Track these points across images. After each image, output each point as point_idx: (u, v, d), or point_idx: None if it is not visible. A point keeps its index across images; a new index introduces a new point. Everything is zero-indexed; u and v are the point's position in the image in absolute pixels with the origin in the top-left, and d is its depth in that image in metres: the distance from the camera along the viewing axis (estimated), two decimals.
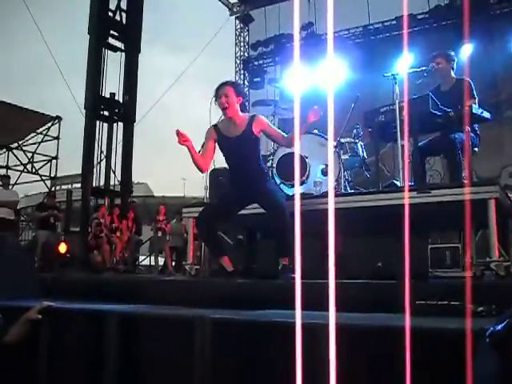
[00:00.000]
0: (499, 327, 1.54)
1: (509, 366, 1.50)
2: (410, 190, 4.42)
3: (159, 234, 11.99)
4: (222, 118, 4.71)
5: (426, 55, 5.98)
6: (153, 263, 12.53)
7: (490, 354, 1.56)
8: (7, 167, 16.93)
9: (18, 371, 3.75)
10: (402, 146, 5.30)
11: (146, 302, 3.95)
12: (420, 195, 4.28)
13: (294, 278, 3.70)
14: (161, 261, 12.37)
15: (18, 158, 17.02)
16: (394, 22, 13.91)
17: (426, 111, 4.99)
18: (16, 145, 17.06)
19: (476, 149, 5.30)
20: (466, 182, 4.70)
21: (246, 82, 16.92)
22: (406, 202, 3.81)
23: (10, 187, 11.73)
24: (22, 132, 17.02)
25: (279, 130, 4.63)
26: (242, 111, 4.59)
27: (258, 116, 4.61)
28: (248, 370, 2.65)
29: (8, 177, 11.78)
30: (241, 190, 4.56)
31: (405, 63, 5.82)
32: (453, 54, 5.72)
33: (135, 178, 13.84)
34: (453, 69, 5.65)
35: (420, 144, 5.28)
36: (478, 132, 5.43)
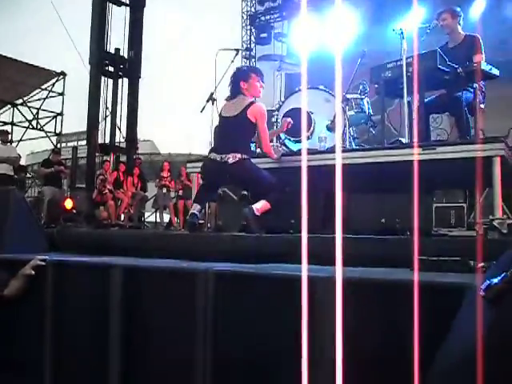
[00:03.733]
0: (496, 280, 1.52)
1: (506, 319, 1.50)
2: (415, 147, 4.39)
3: (164, 190, 12.02)
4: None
5: (437, 10, 5.87)
6: (158, 220, 12.61)
7: (485, 308, 1.56)
8: (12, 123, 16.90)
9: (23, 323, 3.83)
10: (408, 103, 5.26)
11: (150, 256, 3.98)
12: (425, 152, 4.26)
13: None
14: (166, 217, 12.44)
15: (22, 115, 16.97)
16: None
17: (434, 67, 4.94)
18: (21, 101, 16.97)
19: (482, 105, 5.26)
20: (470, 139, 4.67)
21: (252, 38, 16.70)
22: (416, 158, 3.79)
23: (15, 144, 11.76)
24: (26, 88, 16.91)
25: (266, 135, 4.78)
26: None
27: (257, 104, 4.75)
28: (251, 324, 2.68)
29: (7, 132, 11.70)
30: None
31: (414, 18, 5.72)
32: (459, 9, 5.65)
33: (141, 136, 13.83)
34: (459, 24, 5.58)
35: (425, 101, 5.24)
36: (484, 90, 5.38)
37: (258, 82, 4.82)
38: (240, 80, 4.78)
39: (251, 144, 4.86)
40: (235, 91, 4.79)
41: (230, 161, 4.49)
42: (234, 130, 4.67)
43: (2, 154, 10.48)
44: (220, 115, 4.89)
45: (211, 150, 4.75)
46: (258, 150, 5.35)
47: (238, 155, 4.50)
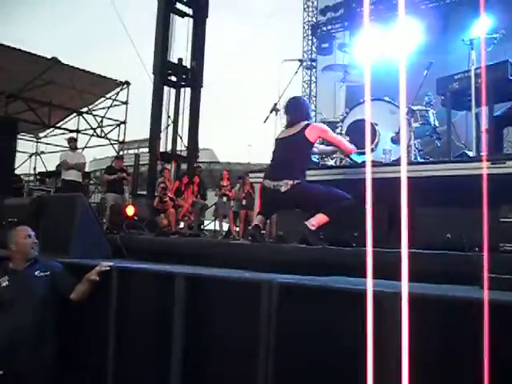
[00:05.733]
0: None
1: None
2: (484, 161, 4.27)
3: (224, 199, 12.08)
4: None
5: (505, 19, 5.73)
6: (217, 228, 12.68)
7: None
8: (77, 131, 17.38)
9: (88, 327, 3.92)
10: (476, 115, 5.13)
11: (211, 265, 4.01)
12: (494, 165, 4.13)
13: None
14: (225, 226, 12.51)
15: (88, 123, 17.43)
16: None
17: (504, 78, 4.81)
18: (86, 109, 17.46)
19: None
20: None
21: (313, 48, 16.68)
22: (484, 171, 3.68)
23: (80, 151, 12.11)
24: (91, 97, 17.40)
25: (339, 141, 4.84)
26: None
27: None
28: (315, 337, 2.65)
29: (75, 139, 12.10)
30: None
31: (482, 27, 5.60)
32: None
33: (201, 144, 13.97)
34: None
35: (498, 113, 5.10)
36: None
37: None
38: (307, 117, 4.77)
39: (306, 166, 4.74)
40: (296, 120, 4.75)
41: (283, 189, 4.43)
42: (288, 151, 4.63)
43: (71, 161, 10.82)
44: (276, 139, 4.87)
45: (265, 176, 4.73)
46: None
47: (290, 182, 4.42)
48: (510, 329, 2.08)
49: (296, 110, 4.82)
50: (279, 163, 4.68)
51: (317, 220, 4.35)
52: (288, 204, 4.62)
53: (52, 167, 16.13)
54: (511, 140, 6.37)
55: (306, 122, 4.66)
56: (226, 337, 3.08)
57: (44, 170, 17.74)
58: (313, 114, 4.86)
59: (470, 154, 5.28)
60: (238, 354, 3.00)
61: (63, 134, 17.82)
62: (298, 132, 4.60)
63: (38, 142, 19.85)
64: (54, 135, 18.96)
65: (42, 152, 19.42)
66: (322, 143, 5.17)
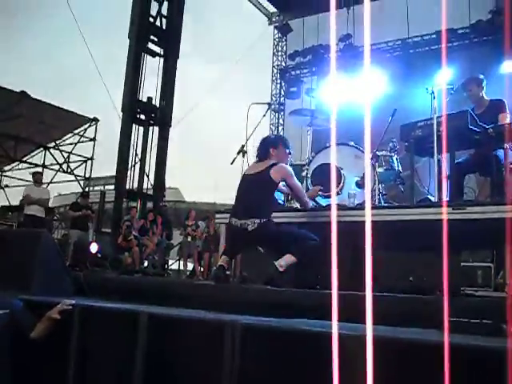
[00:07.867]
0: None
1: None
2: (443, 206, 4.36)
3: (188, 238, 12.02)
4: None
5: (465, 70, 5.94)
6: (182, 268, 12.58)
7: None
8: (43, 166, 17.20)
9: (48, 367, 3.82)
10: (439, 161, 5.26)
11: (175, 305, 3.97)
12: (455, 211, 4.23)
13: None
14: (190, 266, 12.41)
15: (54, 158, 17.29)
16: (433, 36, 13.74)
17: (465, 127, 4.96)
18: (53, 144, 17.32)
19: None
20: (501, 200, 4.64)
21: (282, 92, 16.95)
22: (445, 217, 3.76)
23: (45, 185, 11.96)
24: (59, 132, 17.30)
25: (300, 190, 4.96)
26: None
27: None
28: (277, 379, 2.64)
29: (40, 173, 11.98)
30: None
31: (443, 78, 5.80)
32: (482, 77, 5.73)
33: (167, 183, 13.97)
34: (484, 91, 5.66)
35: (459, 161, 5.24)
36: None
37: (286, 149, 4.96)
38: (270, 146, 4.87)
39: (272, 205, 4.87)
40: (263, 155, 4.87)
41: (250, 228, 4.49)
42: (253, 190, 4.70)
43: (35, 196, 10.67)
44: (243, 175, 4.96)
45: (232, 214, 4.76)
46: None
47: (257, 221, 4.49)
48: (468, 370, 2.11)
49: (262, 147, 4.93)
50: (246, 201, 4.72)
51: (285, 260, 4.38)
52: (254, 243, 4.68)
53: (16, 201, 15.90)
54: (471, 186, 6.53)
55: (273, 162, 4.74)
56: (188, 377, 3.04)
57: (7, 204, 17.44)
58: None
59: (433, 199, 5.39)
60: None
61: (29, 168, 17.62)
62: (264, 170, 4.69)
63: (2, 176, 19.57)
64: (20, 169, 18.73)
65: (6, 186, 19.13)
66: None
